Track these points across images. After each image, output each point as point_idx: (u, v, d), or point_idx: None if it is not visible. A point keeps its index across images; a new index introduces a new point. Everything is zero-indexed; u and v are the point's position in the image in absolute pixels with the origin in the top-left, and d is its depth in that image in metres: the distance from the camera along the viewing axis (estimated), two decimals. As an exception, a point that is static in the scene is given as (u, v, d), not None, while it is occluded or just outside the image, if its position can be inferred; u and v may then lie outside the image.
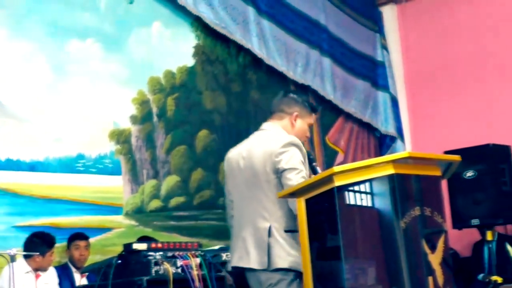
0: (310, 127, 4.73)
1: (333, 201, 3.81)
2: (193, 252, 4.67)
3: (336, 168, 3.84)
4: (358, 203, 3.86)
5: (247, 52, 8.03)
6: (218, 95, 7.91)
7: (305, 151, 4.43)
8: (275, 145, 4.40)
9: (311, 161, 4.56)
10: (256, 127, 8.02)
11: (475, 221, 7.59)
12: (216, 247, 5.43)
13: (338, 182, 3.80)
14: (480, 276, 7.84)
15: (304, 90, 8.67)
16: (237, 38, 7.82)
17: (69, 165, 6.66)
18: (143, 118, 7.23)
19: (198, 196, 7.48)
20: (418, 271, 3.79)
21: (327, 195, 3.86)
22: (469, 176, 7.46)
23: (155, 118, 7.32)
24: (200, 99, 7.74)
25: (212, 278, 4.59)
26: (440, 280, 3.84)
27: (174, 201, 7.28)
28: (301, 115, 4.62)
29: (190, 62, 7.71)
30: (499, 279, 7.34)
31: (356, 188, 3.83)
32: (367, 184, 3.84)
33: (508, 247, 3.24)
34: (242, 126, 8.03)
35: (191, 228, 7.33)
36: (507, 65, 8.99)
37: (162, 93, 7.42)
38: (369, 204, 3.86)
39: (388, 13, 9.97)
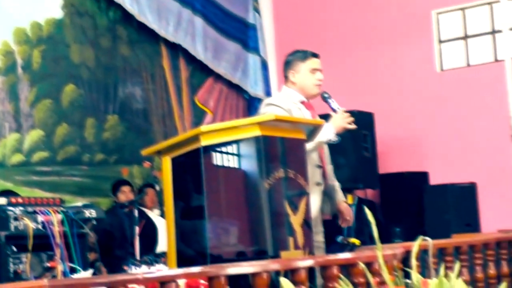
0: (315, 72, 4.85)
1: (199, 160, 3.82)
2: (55, 208, 4.58)
3: (203, 128, 3.86)
4: (224, 163, 3.88)
5: (118, 7, 7.89)
6: (87, 49, 7.74)
7: (288, 107, 4.64)
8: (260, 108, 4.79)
9: (325, 98, 4.84)
10: (125, 83, 8.04)
11: (337, 185, 7.79)
12: (79, 204, 5.35)
13: (204, 141, 3.82)
14: (339, 238, 8.06)
15: (175, 49, 8.62)
16: (108, -8, 7.68)
17: None
18: (7, 69, 6.99)
19: (63, 151, 7.33)
20: (280, 232, 3.86)
21: (193, 154, 3.86)
22: (332, 141, 7.62)
23: (19, 70, 7.10)
24: (67, 52, 7.55)
25: (74, 235, 4.53)
26: (300, 240, 3.93)
27: (37, 156, 7.11)
28: (296, 70, 4.84)
29: (58, 14, 7.50)
30: (357, 242, 7.55)
31: (222, 148, 3.85)
32: (234, 145, 3.87)
33: (367, 210, 3.34)
34: (110, 82, 7.91)
35: (54, 184, 7.18)
36: (374, 34, 9.22)
37: (28, 44, 7.19)
38: (235, 165, 3.89)
39: (261, -25, 10.00)
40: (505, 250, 5.29)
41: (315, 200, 4.58)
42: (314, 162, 4.71)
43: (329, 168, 5.09)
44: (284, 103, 4.69)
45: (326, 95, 4.89)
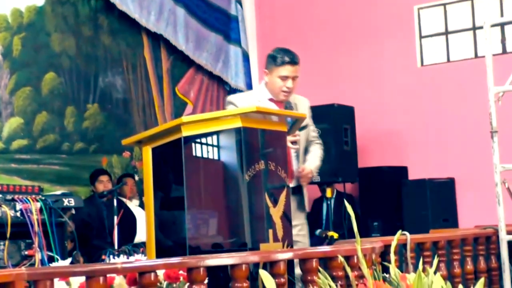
0: (286, 80, 4.73)
1: (180, 151, 3.81)
2: (33, 196, 4.56)
3: (184, 118, 3.84)
4: (205, 154, 3.87)
5: (100, -5, 7.87)
6: (68, 38, 7.69)
7: (244, 104, 4.53)
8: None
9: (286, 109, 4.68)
10: (105, 72, 8.00)
11: (316, 178, 7.79)
12: (58, 193, 5.33)
13: (185, 132, 3.80)
14: (318, 231, 8.11)
15: (156, 38, 8.60)
16: (89, -19, 7.66)
17: None
18: (-13, 56, 6.95)
19: (42, 140, 7.29)
20: (259, 224, 3.87)
21: (174, 145, 3.85)
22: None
23: (-1, 57, 7.06)
24: (48, 40, 7.50)
25: (52, 223, 4.51)
26: (280, 233, 3.94)
27: (16, 144, 7.06)
28: (269, 71, 4.79)
29: (39, 1, 7.45)
30: (335, 235, 7.62)
31: (203, 140, 3.85)
32: (214, 136, 3.86)
33: (347, 204, 3.35)
34: (91, 71, 7.87)
35: (33, 172, 7.15)
36: (356, 29, 9.23)
37: (8, 31, 7.14)
38: (216, 156, 3.89)
39: (244, -33, 9.99)
40: (483, 246, 5.32)
41: None
42: None
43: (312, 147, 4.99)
44: (244, 101, 4.64)
45: (287, 107, 4.80)
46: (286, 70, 4.73)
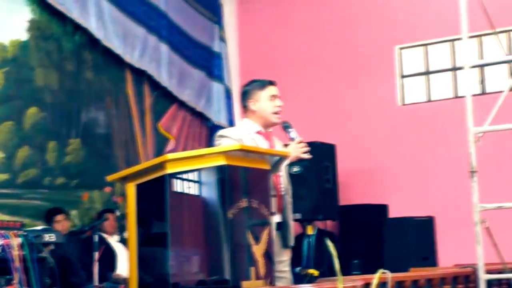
0: (274, 99, 4.84)
1: (164, 188, 3.83)
2: (15, 231, 4.53)
3: (169, 155, 3.86)
4: (189, 192, 3.89)
5: (84, 31, 7.89)
6: (51, 73, 7.71)
7: (239, 137, 4.57)
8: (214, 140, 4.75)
9: (285, 128, 4.80)
10: (88, 107, 8.02)
11: (297, 215, 7.82)
12: (39, 228, 5.31)
13: (170, 169, 3.83)
14: (297, 269, 8.07)
15: (140, 74, 8.63)
16: (74, 17, 7.69)
17: None
18: (-30, 90, 6.95)
19: (23, 174, 7.27)
20: (241, 261, 3.87)
21: (158, 181, 3.87)
22: (294, 172, 7.68)
23: (-18, 91, 7.06)
24: (31, 75, 7.51)
25: (33, 259, 4.49)
26: (262, 271, 3.94)
27: (-3, 178, 7.06)
28: (255, 98, 4.83)
29: (23, 36, 7.48)
30: (315, 272, 7.58)
31: (187, 176, 3.87)
32: (198, 173, 3.88)
33: (328, 242, 3.37)
34: (74, 106, 7.89)
35: (14, 207, 7.10)
36: (337, 67, 9.32)
37: (-8, 65, 7.16)
38: (199, 194, 3.91)
39: (228, 5, 10.08)
40: (462, 285, 5.34)
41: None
42: None
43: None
44: (235, 134, 4.68)
45: (286, 124, 4.86)
46: (273, 89, 4.86)
